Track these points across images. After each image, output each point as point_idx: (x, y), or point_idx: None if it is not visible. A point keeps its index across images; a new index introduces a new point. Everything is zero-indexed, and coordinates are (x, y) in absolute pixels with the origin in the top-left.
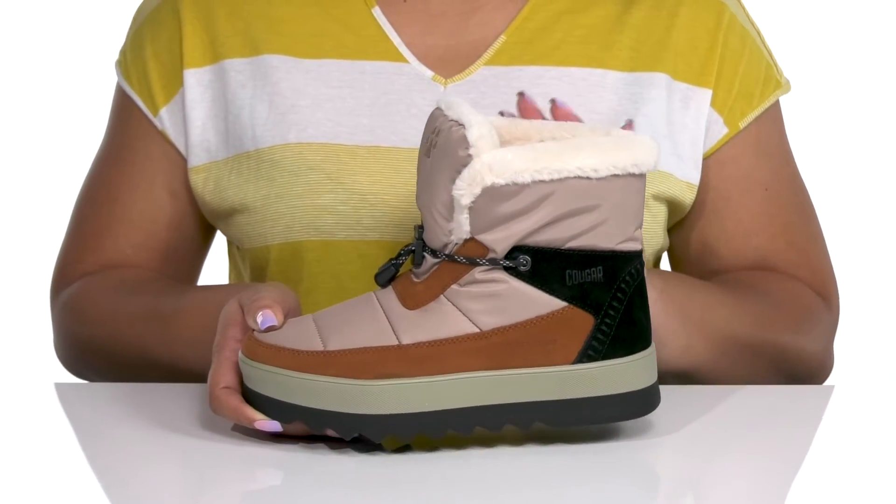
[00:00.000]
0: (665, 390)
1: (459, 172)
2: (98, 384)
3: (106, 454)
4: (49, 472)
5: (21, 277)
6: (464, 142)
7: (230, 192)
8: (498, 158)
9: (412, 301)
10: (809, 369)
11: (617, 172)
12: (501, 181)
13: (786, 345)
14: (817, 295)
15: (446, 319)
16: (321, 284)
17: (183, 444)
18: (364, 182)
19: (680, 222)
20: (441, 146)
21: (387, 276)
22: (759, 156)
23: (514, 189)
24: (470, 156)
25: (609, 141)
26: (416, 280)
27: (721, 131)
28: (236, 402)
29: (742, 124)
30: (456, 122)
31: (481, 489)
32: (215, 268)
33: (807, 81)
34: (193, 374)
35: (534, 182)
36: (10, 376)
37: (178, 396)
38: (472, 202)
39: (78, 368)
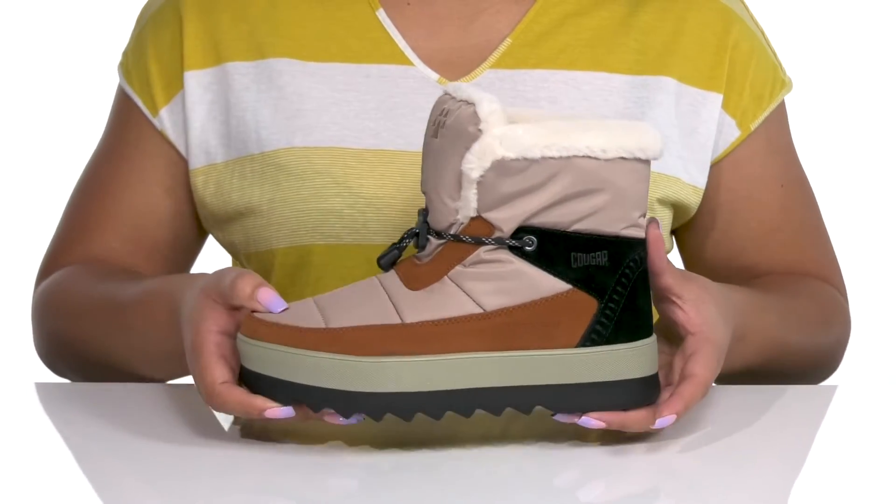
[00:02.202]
0: None
1: (469, 148)
2: (80, 384)
3: (87, 456)
4: (28, 476)
5: (2, 275)
6: (474, 118)
7: (234, 195)
8: (509, 132)
9: (416, 282)
10: (832, 366)
11: (624, 155)
12: (512, 154)
13: (822, 347)
14: (837, 291)
15: (450, 300)
16: (327, 288)
17: (167, 445)
18: (370, 186)
19: (693, 226)
20: (450, 125)
21: (390, 260)
22: (770, 154)
23: (523, 164)
24: (480, 131)
25: (617, 124)
26: (419, 262)
27: (734, 134)
28: (241, 394)
29: (753, 126)
30: (465, 101)
31: (482, 493)
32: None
33: (807, 79)
34: (147, 364)
35: (543, 158)
36: None
37: (161, 396)
38: (482, 176)
39: (52, 363)
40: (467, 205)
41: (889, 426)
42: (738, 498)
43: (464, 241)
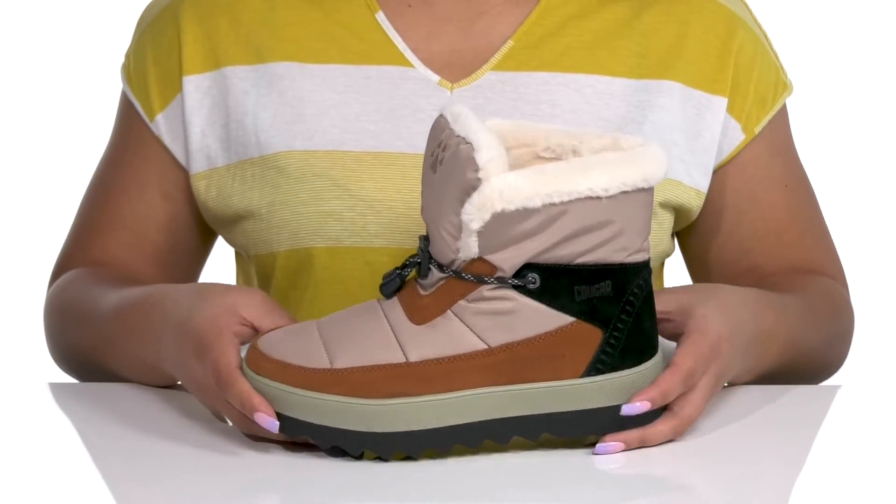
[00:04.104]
0: None
1: (468, 194)
2: (91, 384)
3: (98, 454)
4: (41, 474)
5: (16, 277)
6: (472, 163)
7: (234, 198)
8: (508, 184)
9: (419, 315)
10: (838, 362)
11: (626, 189)
12: (512, 207)
13: (833, 342)
14: (842, 289)
15: (454, 335)
16: (327, 291)
17: (175, 443)
18: (370, 188)
19: (697, 229)
20: (448, 163)
21: (392, 288)
22: (774, 155)
23: (524, 213)
24: (479, 179)
25: (618, 157)
26: (422, 293)
27: (739, 137)
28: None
29: (757, 129)
30: (463, 139)
31: (487, 489)
32: (221, 271)
33: (807, 82)
34: (132, 372)
35: (544, 206)
36: (4, 375)
37: (173, 397)
38: (482, 227)
39: (59, 364)
40: (468, 248)
41: (891, 427)
42: (738, 498)
43: (465, 279)
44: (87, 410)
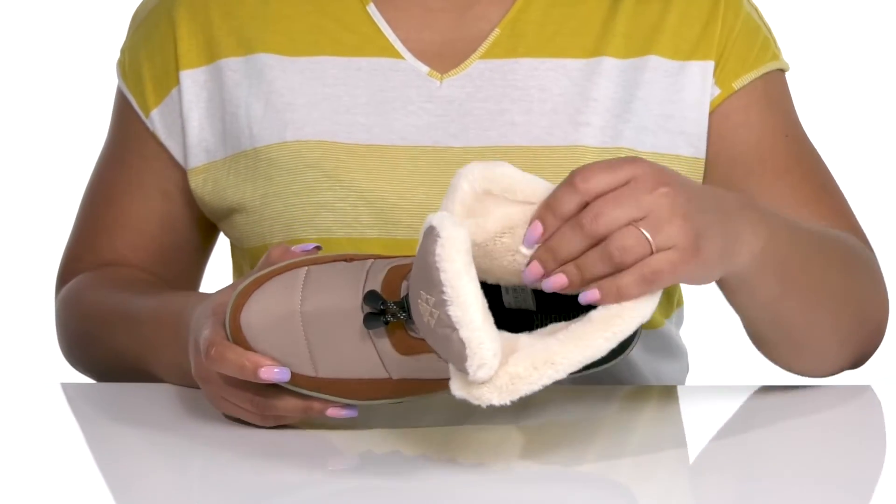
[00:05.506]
0: (696, 391)
1: (464, 371)
2: (103, 385)
3: (112, 455)
4: (55, 473)
5: (28, 278)
6: (465, 361)
7: (228, 191)
8: (507, 385)
9: (406, 349)
10: (881, 318)
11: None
12: (507, 399)
13: (855, 280)
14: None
15: (439, 367)
16: None
17: (190, 444)
18: (362, 180)
19: None
20: (441, 334)
21: (376, 328)
22: (769, 107)
23: None
24: (476, 378)
25: (604, 328)
26: (411, 333)
27: (715, 92)
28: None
29: (736, 85)
30: (454, 324)
31: (487, 494)
32: (220, 269)
33: (810, 72)
34: (154, 375)
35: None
36: (17, 376)
37: (186, 397)
38: None
39: (74, 364)
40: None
41: None
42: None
43: None
44: (99, 410)
